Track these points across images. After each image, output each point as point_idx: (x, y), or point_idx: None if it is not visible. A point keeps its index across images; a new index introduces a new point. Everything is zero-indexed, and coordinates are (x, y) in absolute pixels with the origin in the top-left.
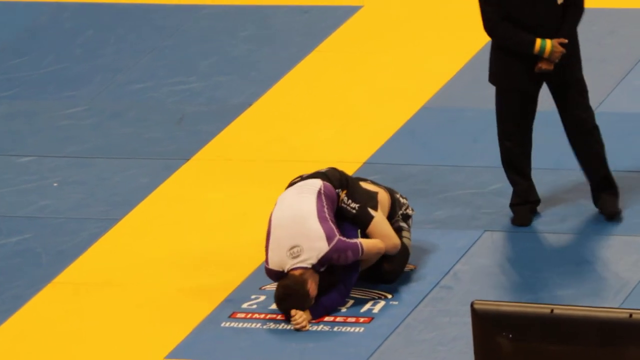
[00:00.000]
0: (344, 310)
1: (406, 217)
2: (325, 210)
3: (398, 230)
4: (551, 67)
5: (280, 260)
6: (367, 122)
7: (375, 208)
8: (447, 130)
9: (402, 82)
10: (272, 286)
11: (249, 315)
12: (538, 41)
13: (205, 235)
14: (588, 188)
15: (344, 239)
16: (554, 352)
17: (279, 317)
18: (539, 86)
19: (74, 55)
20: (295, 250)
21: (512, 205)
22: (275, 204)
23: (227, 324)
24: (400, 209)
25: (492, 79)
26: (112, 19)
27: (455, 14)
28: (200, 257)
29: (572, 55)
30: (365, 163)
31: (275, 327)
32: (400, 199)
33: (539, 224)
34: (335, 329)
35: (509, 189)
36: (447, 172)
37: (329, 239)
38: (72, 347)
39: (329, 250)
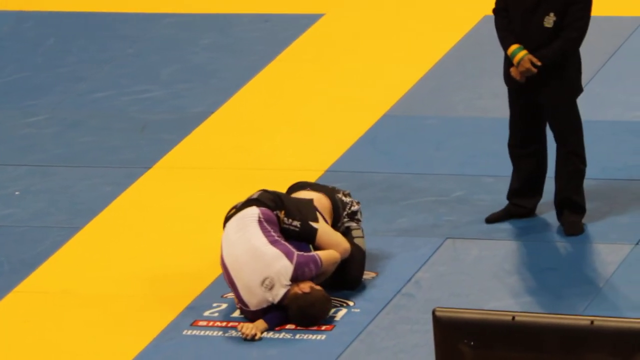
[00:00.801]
0: None
1: (353, 214)
2: (272, 232)
3: (346, 232)
4: (519, 78)
5: (260, 299)
6: (329, 130)
7: (315, 219)
8: (409, 138)
9: (363, 90)
10: (233, 294)
11: (211, 323)
12: (513, 46)
13: (167, 243)
14: (551, 195)
15: (302, 253)
16: (515, 359)
17: (240, 324)
18: (524, 93)
19: (36, 64)
20: (267, 282)
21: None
22: (221, 245)
23: (189, 332)
24: (345, 209)
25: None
26: (74, 28)
27: (417, 22)
28: (162, 265)
29: (551, 82)
30: (327, 171)
31: (237, 335)
32: (343, 198)
33: (501, 231)
34: (297, 336)
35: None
36: (410, 180)
37: (288, 256)
38: (33, 356)
39: (294, 268)
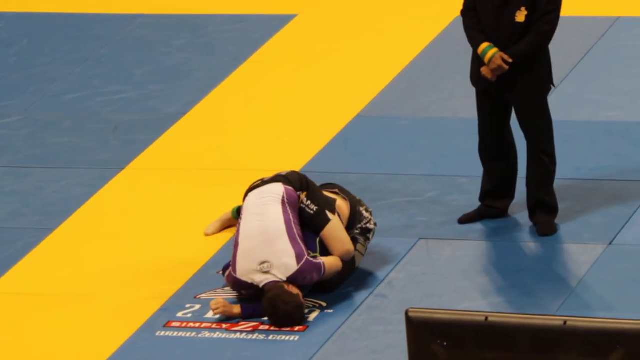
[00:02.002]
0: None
1: (366, 231)
2: (293, 225)
3: (352, 241)
4: (490, 77)
5: (249, 272)
6: (302, 131)
7: (333, 211)
8: (382, 138)
9: (336, 91)
10: (207, 295)
11: (184, 324)
12: (483, 45)
13: (140, 244)
14: (524, 195)
15: (311, 258)
16: None
17: (214, 325)
18: (493, 92)
19: (8, 65)
20: (265, 265)
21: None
22: (241, 214)
23: (162, 333)
24: (360, 223)
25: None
26: (47, 28)
27: (390, 23)
28: (135, 266)
29: (522, 79)
30: (300, 171)
31: (210, 336)
32: (364, 212)
33: (474, 232)
34: (271, 337)
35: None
36: (383, 181)
37: (299, 258)
38: (6, 357)
39: (297, 270)
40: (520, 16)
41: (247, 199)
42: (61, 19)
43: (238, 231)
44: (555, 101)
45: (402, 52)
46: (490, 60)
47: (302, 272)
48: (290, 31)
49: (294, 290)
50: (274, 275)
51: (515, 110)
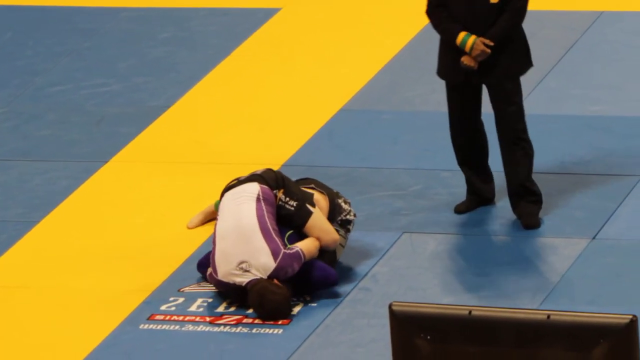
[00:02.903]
0: None
1: (346, 223)
2: (267, 219)
3: None
4: (472, 64)
5: (229, 273)
6: (286, 124)
7: (313, 204)
8: (365, 132)
9: (320, 84)
10: (190, 288)
11: (168, 317)
12: (461, 34)
13: (124, 237)
14: (506, 190)
15: (287, 251)
16: (472, 354)
17: (197, 318)
18: (469, 82)
19: None
20: (244, 265)
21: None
22: (217, 213)
23: (146, 326)
24: (340, 215)
25: (437, 70)
26: (31, 21)
27: (373, 16)
28: (118, 259)
29: (501, 60)
30: (283, 165)
31: (194, 329)
32: (343, 204)
33: (458, 225)
34: (254, 330)
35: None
36: (366, 174)
37: (275, 255)
38: None
39: (276, 268)
40: None
41: (223, 198)
42: (45, 12)
43: (215, 233)
44: (539, 96)
45: (386, 45)
46: (472, 47)
47: (282, 268)
48: (275, 24)
49: (279, 284)
50: (254, 274)
51: (493, 94)
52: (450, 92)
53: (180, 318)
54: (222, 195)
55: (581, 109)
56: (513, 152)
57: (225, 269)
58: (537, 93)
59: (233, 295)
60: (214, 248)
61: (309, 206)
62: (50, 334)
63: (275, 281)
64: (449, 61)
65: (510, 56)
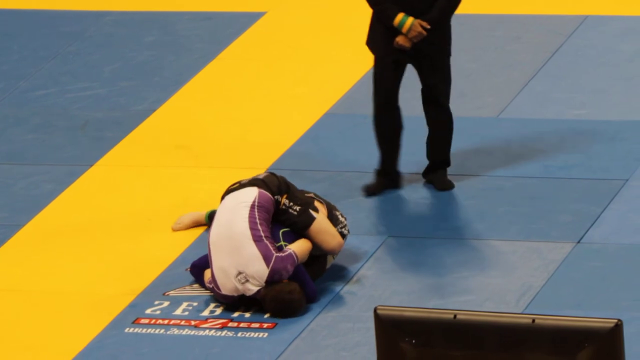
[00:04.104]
0: (247, 315)
1: (341, 236)
2: (259, 226)
3: None
4: (407, 45)
5: (232, 287)
6: (271, 129)
7: (316, 209)
8: (351, 136)
9: (305, 88)
10: (175, 292)
11: (153, 321)
12: (399, 15)
13: (109, 241)
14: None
15: (280, 254)
16: (457, 358)
17: (182, 322)
18: (403, 60)
19: None
20: (241, 277)
21: (375, 171)
22: (215, 216)
23: (131, 330)
24: (337, 226)
25: (367, 43)
26: (15, 25)
27: (359, 20)
28: (104, 263)
29: (436, 43)
30: (268, 169)
31: (179, 333)
32: (340, 217)
33: (443, 229)
34: (239, 334)
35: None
36: (352, 178)
37: (267, 260)
38: None
39: (270, 272)
40: None
41: (222, 202)
42: (30, 16)
43: (209, 242)
44: (524, 99)
45: None
46: (409, 29)
47: (276, 271)
48: (259, 29)
49: (285, 282)
50: (252, 284)
51: (425, 72)
52: (380, 68)
53: (166, 322)
54: (223, 197)
55: (566, 113)
56: (443, 124)
57: (227, 284)
58: (522, 97)
59: (236, 303)
60: (211, 264)
61: (312, 211)
62: (35, 337)
63: (285, 281)
64: (385, 39)
65: (442, 34)
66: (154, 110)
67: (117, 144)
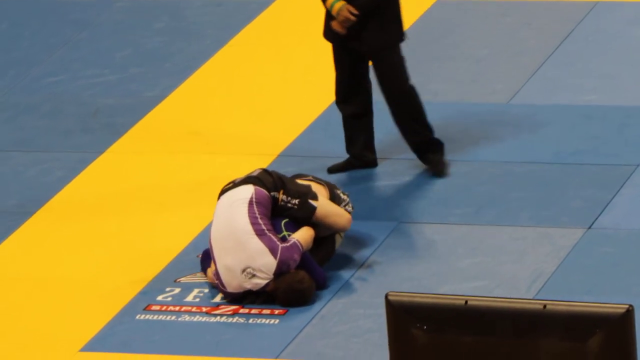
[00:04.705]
0: (258, 302)
1: None
2: (260, 221)
3: None
4: (340, 29)
5: (239, 284)
6: (282, 114)
7: (315, 197)
8: None
9: (316, 74)
10: (187, 279)
11: (164, 308)
12: None
13: (120, 227)
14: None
15: (284, 244)
16: (468, 344)
17: (194, 309)
18: (349, 45)
19: None
20: (248, 271)
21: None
22: (213, 218)
23: (142, 317)
24: (340, 204)
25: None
26: (26, 12)
27: None
28: (114, 250)
29: (373, 29)
30: (280, 155)
31: (190, 320)
32: (341, 195)
33: (454, 215)
34: (250, 321)
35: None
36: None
37: (273, 252)
38: None
39: (278, 264)
40: None
41: (217, 203)
42: (41, 3)
43: (210, 241)
44: (535, 85)
45: None
46: (337, 13)
47: (284, 262)
48: (270, 15)
49: (293, 271)
50: (260, 278)
51: (371, 58)
52: (336, 51)
53: (177, 308)
54: (219, 197)
55: (576, 99)
56: (400, 107)
57: (233, 281)
58: (532, 83)
59: (249, 297)
60: (215, 262)
61: (311, 201)
62: (47, 324)
63: (291, 271)
64: (328, 21)
65: (380, 27)
66: (165, 97)
67: (128, 130)
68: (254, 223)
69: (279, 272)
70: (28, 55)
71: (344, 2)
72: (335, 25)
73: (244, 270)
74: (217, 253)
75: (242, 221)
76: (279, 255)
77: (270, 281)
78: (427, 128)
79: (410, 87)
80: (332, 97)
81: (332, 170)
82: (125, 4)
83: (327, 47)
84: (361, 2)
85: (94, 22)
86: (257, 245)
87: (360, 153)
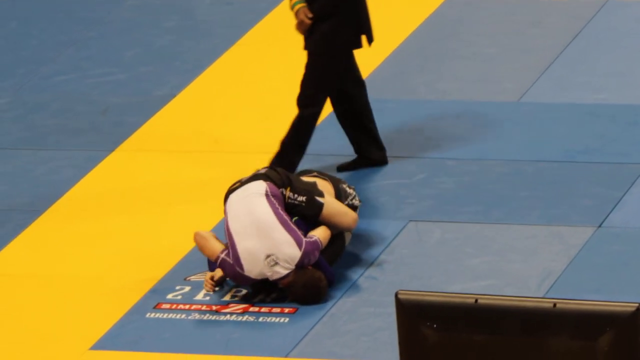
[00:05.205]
0: (268, 300)
1: (352, 208)
2: (282, 212)
3: None
4: (299, 32)
5: (260, 270)
6: (291, 113)
7: (321, 194)
8: None
9: None
10: (196, 277)
11: (174, 306)
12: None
13: (130, 226)
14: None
15: (307, 239)
16: (478, 342)
17: (204, 307)
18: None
19: None
20: (271, 259)
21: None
22: (226, 215)
23: (152, 315)
24: (347, 199)
25: None
26: (35, 11)
27: (378, 5)
28: (124, 248)
29: (316, 32)
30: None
31: (200, 318)
32: (347, 189)
33: (464, 213)
34: (260, 319)
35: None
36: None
37: (298, 244)
38: None
39: (301, 256)
40: None
41: (228, 200)
42: (50, 2)
43: (229, 232)
44: (545, 84)
45: (391, 34)
46: (295, 13)
47: (306, 255)
48: (279, 13)
49: (311, 269)
50: (282, 267)
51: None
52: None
53: (187, 307)
54: (226, 197)
55: (586, 97)
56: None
57: (254, 266)
58: (542, 81)
59: (256, 286)
60: (235, 247)
61: (318, 198)
62: (57, 322)
63: (310, 267)
64: None
65: (330, 31)
66: (174, 96)
67: (138, 129)
68: (277, 214)
69: (300, 265)
70: (37, 54)
71: (303, 4)
72: (296, 26)
73: (267, 257)
74: (237, 238)
75: (264, 211)
76: (303, 248)
77: (291, 272)
78: (287, 160)
79: (310, 114)
80: None
81: (340, 168)
82: (135, 2)
83: None
84: (317, 6)
85: (104, 20)
86: (282, 234)
87: (367, 150)
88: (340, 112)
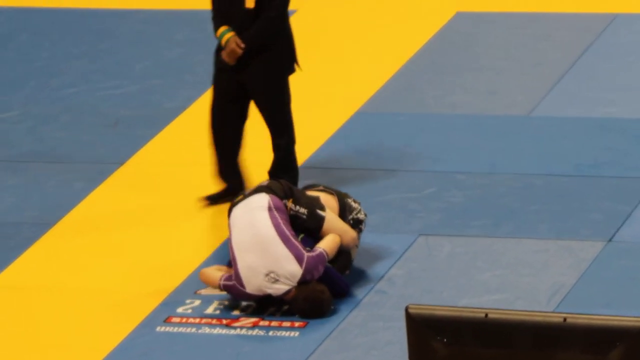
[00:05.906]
0: (278, 314)
1: (357, 222)
2: (283, 226)
3: None
4: (228, 60)
5: (260, 286)
6: (301, 127)
7: (323, 208)
8: (380, 134)
9: (336, 87)
10: (207, 291)
11: (184, 320)
12: (221, 29)
13: (140, 240)
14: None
15: (311, 253)
16: (488, 356)
17: (214, 321)
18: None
19: (8, 60)
20: (272, 275)
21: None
22: (229, 229)
23: (162, 329)
24: (351, 214)
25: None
26: (46, 23)
27: (389, 19)
28: (134, 262)
29: (254, 61)
30: (300, 167)
31: (210, 332)
32: (352, 203)
33: (474, 227)
34: (271, 333)
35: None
36: (381, 177)
37: (299, 260)
38: (5, 352)
39: (303, 273)
40: (250, 2)
41: (232, 213)
42: (61, 14)
43: (232, 246)
44: (555, 97)
45: (402, 48)
46: (225, 44)
47: (309, 271)
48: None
49: (314, 282)
50: (284, 283)
51: (251, 92)
52: (217, 75)
53: (197, 320)
54: (229, 210)
55: (596, 111)
56: (275, 149)
57: (254, 282)
58: (552, 95)
59: (261, 303)
60: (235, 263)
61: (319, 211)
62: (67, 335)
63: (313, 281)
64: (218, 47)
65: (265, 60)
66: (185, 108)
67: (148, 142)
68: (278, 230)
69: (303, 281)
70: (48, 66)
71: (233, 34)
72: (224, 55)
73: (267, 274)
74: (238, 254)
75: (265, 227)
76: (304, 264)
77: (293, 288)
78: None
79: (288, 142)
80: (352, 109)
81: (209, 199)
82: (145, 15)
83: (349, 58)
84: (246, 35)
85: (114, 33)
86: (283, 251)
87: (229, 181)
88: (225, 139)
